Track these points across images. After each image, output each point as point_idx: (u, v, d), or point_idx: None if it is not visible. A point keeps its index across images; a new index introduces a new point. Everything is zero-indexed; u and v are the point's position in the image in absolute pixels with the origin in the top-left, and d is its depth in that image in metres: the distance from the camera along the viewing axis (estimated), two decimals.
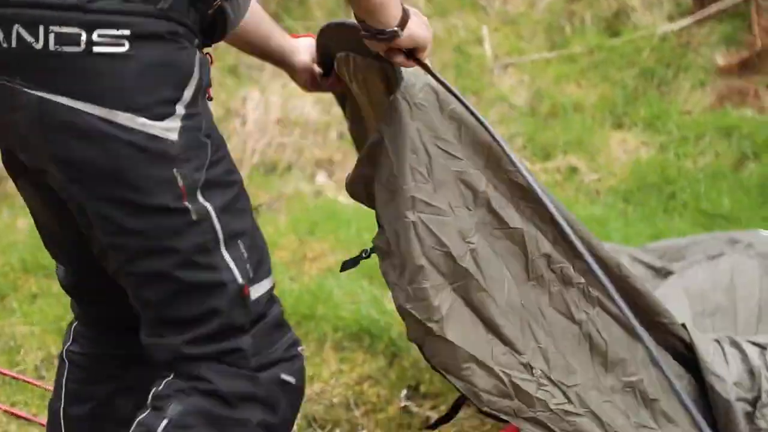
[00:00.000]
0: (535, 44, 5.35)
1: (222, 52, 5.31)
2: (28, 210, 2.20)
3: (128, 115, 1.87)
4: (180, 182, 1.91)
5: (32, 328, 3.47)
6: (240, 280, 1.96)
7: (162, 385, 2.00)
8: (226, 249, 1.96)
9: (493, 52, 5.40)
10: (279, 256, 4.05)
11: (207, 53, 2.01)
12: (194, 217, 1.92)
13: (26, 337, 3.43)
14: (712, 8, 5.62)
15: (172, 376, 2.00)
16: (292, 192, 4.52)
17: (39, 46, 1.80)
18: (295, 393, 2.07)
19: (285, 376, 2.03)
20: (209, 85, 1.98)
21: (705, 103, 5.10)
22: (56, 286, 3.53)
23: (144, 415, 1.97)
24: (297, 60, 2.64)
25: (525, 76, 5.24)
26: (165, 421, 1.94)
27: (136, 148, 1.88)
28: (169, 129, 1.90)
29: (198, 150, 1.93)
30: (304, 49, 2.64)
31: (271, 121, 4.80)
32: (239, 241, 1.99)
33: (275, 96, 4.86)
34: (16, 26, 1.81)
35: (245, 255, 1.99)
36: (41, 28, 1.80)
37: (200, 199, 1.93)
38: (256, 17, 2.51)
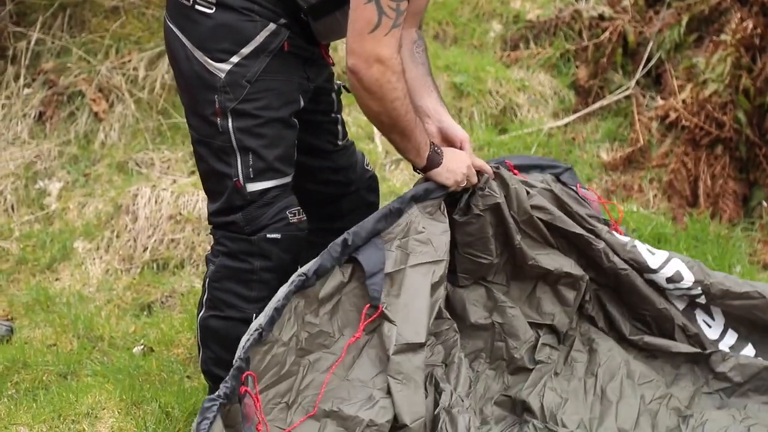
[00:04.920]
0: None
1: (111, 149, 5.25)
2: None
3: (199, 52, 3.02)
4: (217, 105, 3.01)
5: None
6: (239, 177, 3.05)
7: (211, 247, 3.23)
8: (239, 155, 3.04)
9: (384, 148, 5.44)
10: (175, 353, 3.97)
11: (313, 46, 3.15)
12: (220, 129, 3.03)
13: None
14: (595, 105, 5.78)
15: (213, 242, 3.21)
16: (186, 288, 4.44)
17: None
18: (285, 242, 3.11)
19: (271, 235, 3.09)
20: (285, 49, 3.03)
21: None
22: None
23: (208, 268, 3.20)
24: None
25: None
26: (211, 271, 3.19)
27: (198, 73, 3.03)
28: (221, 69, 3.00)
29: (236, 88, 3.00)
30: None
31: (163, 217, 4.73)
32: (250, 153, 3.04)
33: (166, 192, 4.80)
34: None
35: (251, 162, 3.04)
36: None
37: (228, 118, 3.02)
38: (420, 94, 3.27)
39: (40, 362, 3.90)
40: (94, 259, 4.69)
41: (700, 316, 3.50)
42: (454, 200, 3.26)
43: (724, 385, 3.45)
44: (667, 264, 3.39)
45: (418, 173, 3.21)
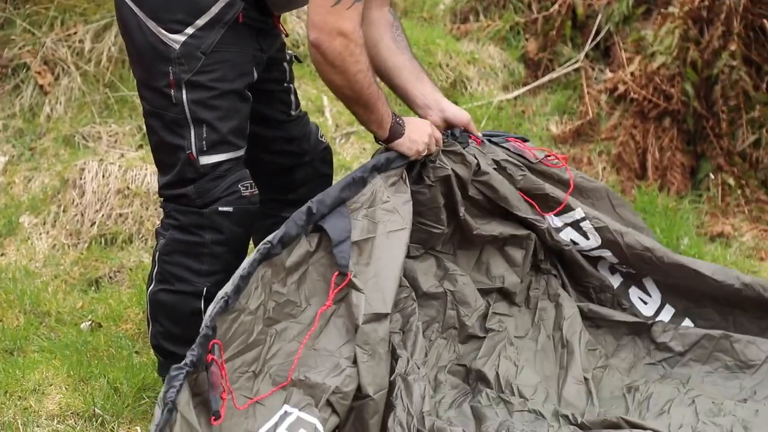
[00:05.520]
0: None
1: (57, 123, 5.18)
2: None
3: (153, 22, 2.98)
4: (171, 76, 3.00)
5: None
6: (192, 149, 3.03)
7: (161, 220, 3.20)
8: (193, 127, 3.02)
9: (333, 122, 5.43)
10: (124, 329, 3.93)
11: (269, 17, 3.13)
12: (174, 101, 3.01)
13: None
14: (545, 78, 5.80)
15: (164, 215, 3.18)
16: (134, 263, 4.40)
17: None
18: (237, 216, 3.09)
19: (222, 208, 3.08)
20: (239, 21, 3.01)
21: None
22: None
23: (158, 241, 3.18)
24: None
25: (367, 145, 5.28)
26: (161, 244, 3.16)
27: (151, 44, 2.99)
28: (175, 40, 2.98)
29: (190, 60, 2.98)
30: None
31: (111, 191, 4.68)
32: (204, 125, 3.02)
33: (114, 166, 4.75)
34: None
35: (204, 135, 3.03)
36: None
37: (182, 90, 3.00)
38: (397, 65, 3.32)
39: None
40: (40, 234, 4.64)
41: (635, 293, 3.56)
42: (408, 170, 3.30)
43: (666, 356, 3.50)
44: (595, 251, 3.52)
45: (380, 144, 3.24)
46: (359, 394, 2.84)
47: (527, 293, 3.54)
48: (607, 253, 3.51)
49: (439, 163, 3.30)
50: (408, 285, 3.26)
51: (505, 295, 3.49)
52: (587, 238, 3.49)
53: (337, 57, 2.96)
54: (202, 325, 2.63)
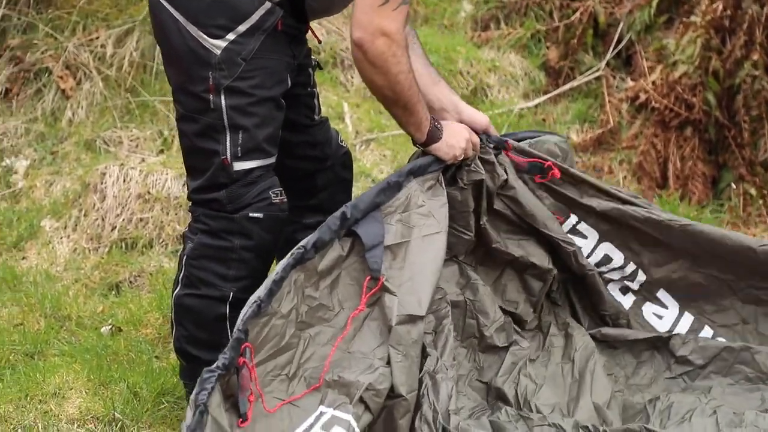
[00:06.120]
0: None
1: (78, 127, 5.20)
2: None
3: (194, 27, 2.98)
4: (210, 81, 2.99)
5: None
6: (227, 154, 3.04)
7: (189, 224, 3.21)
8: (229, 133, 3.03)
9: (354, 128, 5.43)
10: (143, 334, 3.94)
11: (302, 24, 3.15)
12: (212, 106, 3.01)
13: None
14: (566, 86, 5.79)
15: (192, 219, 3.19)
16: (155, 268, 4.41)
17: None
18: (266, 222, 3.11)
19: (253, 214, 3.09)
20: (278, 28, 3.02)
21: None
22: None
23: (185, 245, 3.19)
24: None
25: (387, 151, 5.28)
26: (189, 248, 3.16)
27: (191, 48, 2.99)
28: (216, 45, 2.98)
29: (231, 65, 2.98)
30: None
31: (131, 195, 4.69)
32: (240, 132, 3.03)
33: (135, 171, 4.77)
34: None
35: (240, 141, 3.04)
36: None
37: (221, 96, 3.00)
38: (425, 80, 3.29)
39: (6, 342, 3.86)
40: (61, 237, 4.65)
41: (649, 310, 3.54)
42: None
43: (687, 369, 3.48)
44: (595, 250, 3.49)
45: (418, 147, 3.24)
46: (392, 393, 2.84)
47: (539, 320, 3.52)
48: (609, 249, 3.49)
49: (474, 167, 3.30)
50: (441, 287, 3.24)
51: (517, 320, 3.48)
52: (585, 237, 3.48)
53: (379, 57, 2.95)
54: (235, 328, 2.64)
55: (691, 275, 3.52)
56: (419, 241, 3.03)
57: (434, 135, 3.17)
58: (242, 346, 2.61)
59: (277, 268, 2.82)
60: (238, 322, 2.65)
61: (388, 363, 2.85)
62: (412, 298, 2.92)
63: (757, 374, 3.43)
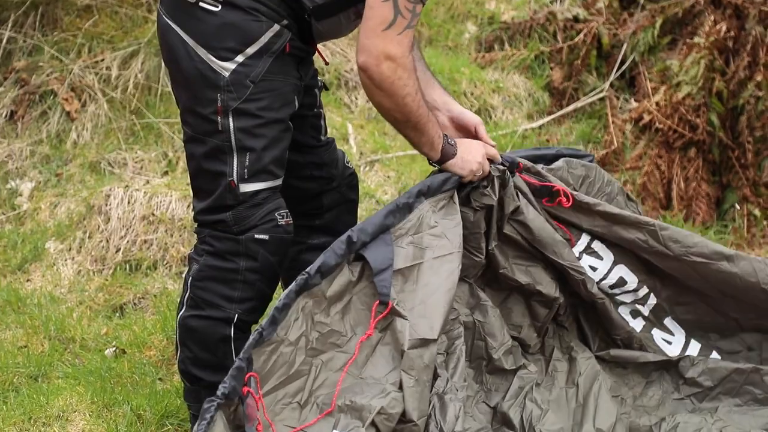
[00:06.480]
0: (399, 141, 5.40)
1: (83, 149, 5.21)
2: None
3: (203, 49, 3.00)
4: (219, 103, 3.01)
5: None
6: (234, 176, 3.05)
7: (194, 246, 3.22)
8: (236, 155, 3.04)
9: (358, 149, 5.44)
10: (147, 356, 3.94)
11: (307, 44, 3.15)
12: (220, 128, 3.03)
13: None
14: (570, 107, 5.79)
15: (198, 241, 3.19)
16: (159, 290, 4.41)
17: None
18: (272, 244, 3.11)
19: (259, 236, 3.09)
20: (286, 51, 3.04)
21: None
22: None
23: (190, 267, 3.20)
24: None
25: (391, 173, 5.28)
26: (194, 269, 3.16)
27: (200, 71, 3.01)
28: (225, 68, 3.00)
29: (239, 87, 3.00)
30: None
31: (136, 217, 4.70)
32: (247, 153, 3.04)
33: (139, 192, 4.77)
34: None
35: (247, 163, 3.04)
36: None
37: (229, 117, 3.02)
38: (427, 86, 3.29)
39: (10, 364, 3.86)
40: (65, 259, 4.66)
41: (659, 335, 3.51)
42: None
43: (695, 390, 3.46)
44: (610, 273, 3.45)
45: (433, 166, 3.22)
46: (403, 418, 2.83)
47: (542, 343, 3.50)
48: (624, 272, 3.45)
49: (487, 191, 3.24)
50: (454, 308, 3.22)
51: (520, 344, 3.46)
52: (601, 258, 3.44)
53: (384, 81, 2.96)
54: (237, 357, 2.63)
55: (699, 308, 3.51)
56: (432, 263, 3.01)
57: (448, 152, 3.15)
58: (247, 376, 2.60)
59: (281, 296, 2.81)
60: (242, 352, 2.65)
61: (401, 388, 2.84)
62: (424, 321, 2.90)
63: (766, 395, 3.41)
